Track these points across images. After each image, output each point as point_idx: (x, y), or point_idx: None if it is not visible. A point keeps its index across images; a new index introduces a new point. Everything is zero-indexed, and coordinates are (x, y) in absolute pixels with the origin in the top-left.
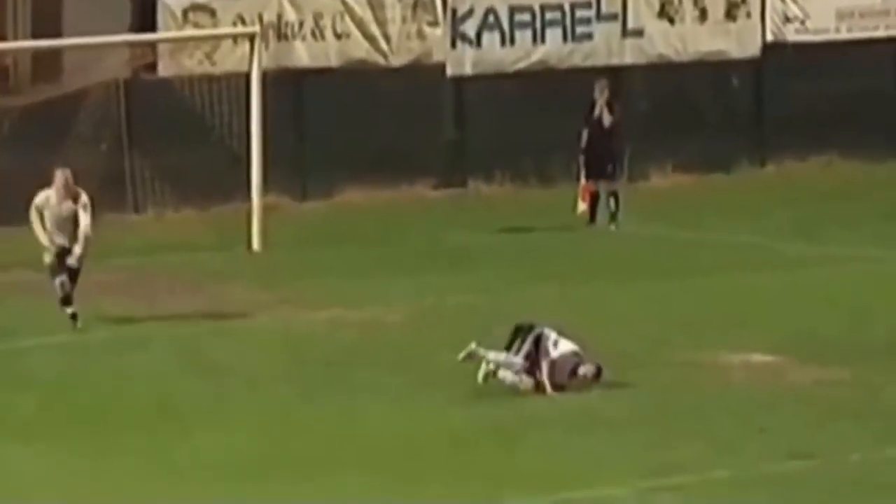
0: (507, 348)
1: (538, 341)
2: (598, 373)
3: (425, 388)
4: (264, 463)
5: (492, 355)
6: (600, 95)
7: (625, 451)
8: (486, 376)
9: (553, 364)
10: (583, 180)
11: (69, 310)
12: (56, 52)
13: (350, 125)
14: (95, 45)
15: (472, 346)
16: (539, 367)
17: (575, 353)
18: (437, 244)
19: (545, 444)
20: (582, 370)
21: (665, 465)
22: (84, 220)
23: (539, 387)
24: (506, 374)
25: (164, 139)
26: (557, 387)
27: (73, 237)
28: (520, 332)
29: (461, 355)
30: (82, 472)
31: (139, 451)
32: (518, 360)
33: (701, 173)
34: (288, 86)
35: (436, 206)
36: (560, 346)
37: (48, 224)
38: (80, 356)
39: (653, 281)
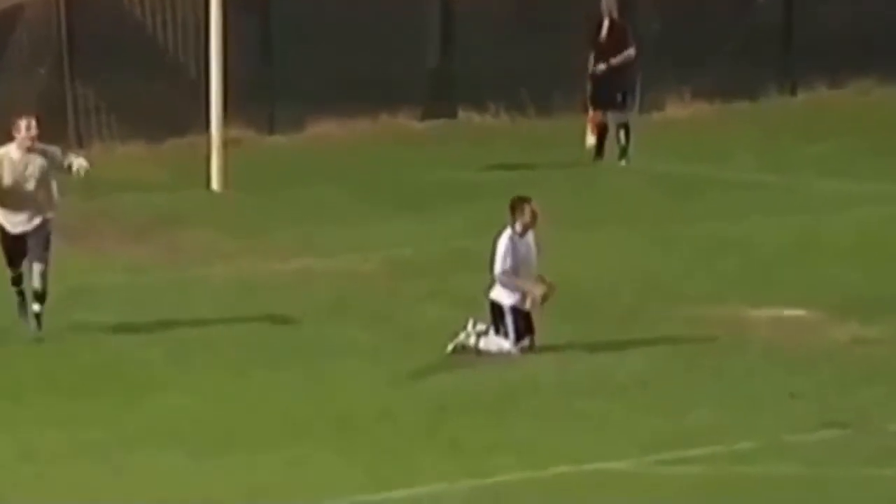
0: (496, 327)
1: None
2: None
3: (407, 348)
4: (223, 433)
5: (483, 344)
6: (607, 14)
7: (632, 418)
8: (457, 348)
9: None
10: (590, 110)
11: (16, 288)
12: None
13: (324, 48)
14: None
15: (462, 336)
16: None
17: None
18: (422, 183)
19: (542, 411)
20: (519, 225)
21: (679, 436)
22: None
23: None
24: (489, 343)
25: (110, 63)
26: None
27: (40, 210)
28: (493, 308)
29: (449, 347)
30: (20, 444)
31: (83, 420)
32: (515, 349)
33: (723, 102)
34: (253, 2)
35: (421, 140)
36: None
37: (3, 191)
38: (15, 312)
39: (667, 224)
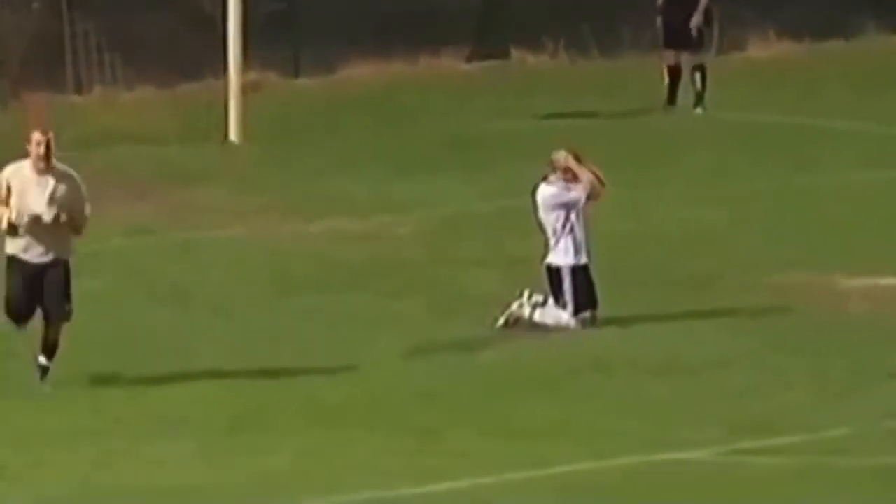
0: (556, 298)
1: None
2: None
3: (450, 321)
4: (238, 414)
5: (538, 316)
6: None
7: (709, 402)
8: (509, 321)
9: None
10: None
11: (43, 360)
12: None
13: None
14: None
15: (515, 306)
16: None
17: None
18: (468, 133)
19: (606, 394)
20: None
21: (762, 422)
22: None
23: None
24: (545, 315)
25: None
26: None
27: (60, 248)
28: (551, 275)
29: (501, 320)
30: (14, 430)
31: (80, 403)
32: (575, 322)
33: (812, 40)
34: None
35: (467, 84)
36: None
37: (15, 215)
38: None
39: (749, 180)
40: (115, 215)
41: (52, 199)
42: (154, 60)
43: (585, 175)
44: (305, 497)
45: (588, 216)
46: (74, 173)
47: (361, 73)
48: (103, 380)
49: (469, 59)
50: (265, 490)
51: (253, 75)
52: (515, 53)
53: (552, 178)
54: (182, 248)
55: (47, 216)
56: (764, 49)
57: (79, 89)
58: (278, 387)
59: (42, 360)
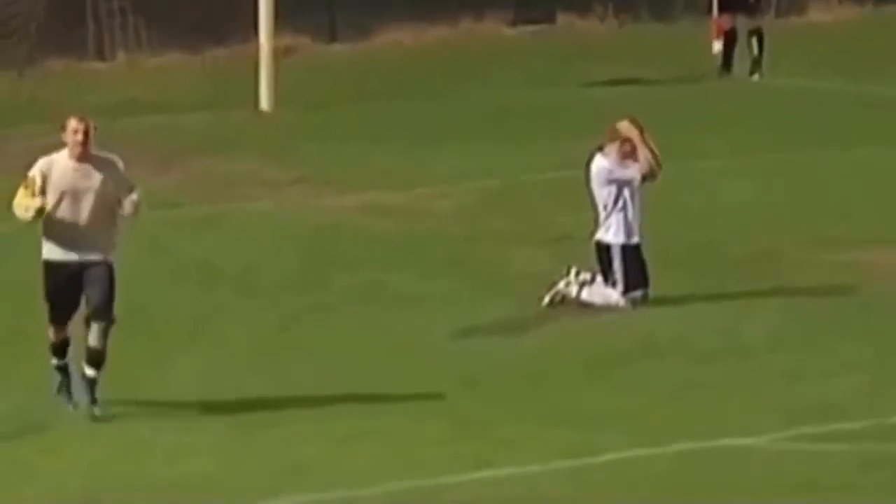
0: (605, 276)
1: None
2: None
3: (491, 300)
4: (265, 399)
5: (586, 294)
6: None
7: (765, 386)
8: (555, 300)
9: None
10: (715, 13)
11: (57, 361)
12: None
13: None
14: None
15: (561, 284)
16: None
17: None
18: (511, 102)
19: (655, 377)
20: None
21: (821, 406)
22: (133, 196)
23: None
24: (594, 294)
25: None
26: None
27: (99, 247)
28: (600, 252)
29: (546, 299)
30: (27, 416)
31: (99, 383)
32: (625, 301)
33: (876, 4)
34: None
35: (512, 50)
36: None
37: (50, 214)
38: (26, 252)
39: (809, 151)
40: (138, 186)
41: (95, 189)
42: (180, 23)
43: (644, 153)
44: (337, 488)
45: (642, 196)
46: (115, 158)
47: (400, 38)
48: (121, 363)
49: (513, 24)
50: (294, 481)
51: (285, 40)
52: (562, 17)
53: (608, 148)
54: (209, 221)
55: (129, 210)
56: (825, 13)
57: (101, 55)
58: (308, 371)
59: (90, 372)
